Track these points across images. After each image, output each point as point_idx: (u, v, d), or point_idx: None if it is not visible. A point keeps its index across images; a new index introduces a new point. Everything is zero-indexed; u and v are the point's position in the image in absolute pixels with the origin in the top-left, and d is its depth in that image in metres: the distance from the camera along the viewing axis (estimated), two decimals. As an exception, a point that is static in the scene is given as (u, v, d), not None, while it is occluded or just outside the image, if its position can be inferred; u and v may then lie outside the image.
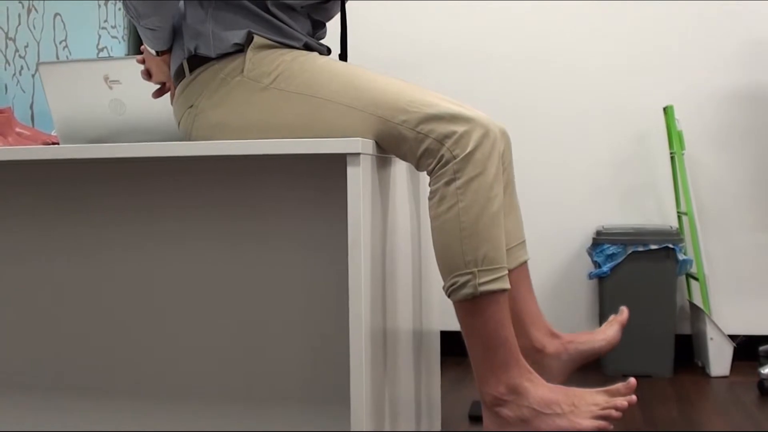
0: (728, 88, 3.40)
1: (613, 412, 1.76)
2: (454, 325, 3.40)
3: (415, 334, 2.12)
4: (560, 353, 2.09)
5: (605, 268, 3.16)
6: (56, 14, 3.09)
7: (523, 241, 2.10)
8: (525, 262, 2.09)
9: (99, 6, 3.38)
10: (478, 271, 1.71)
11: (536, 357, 2.09)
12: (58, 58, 3.09)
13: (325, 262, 1.94)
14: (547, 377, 2.06)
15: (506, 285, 1.74)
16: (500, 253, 1.73)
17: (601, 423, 1.75)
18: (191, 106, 1.88)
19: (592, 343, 2.11)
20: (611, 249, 3.17)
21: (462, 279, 1.72)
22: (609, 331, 2.14)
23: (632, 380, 1.80)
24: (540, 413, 1.77)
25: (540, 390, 1.78)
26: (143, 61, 2.02)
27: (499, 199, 1.74)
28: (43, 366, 2.11)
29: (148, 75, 2.02)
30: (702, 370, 3.24)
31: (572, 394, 1.79)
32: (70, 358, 2.10)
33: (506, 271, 1.75)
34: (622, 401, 1.77)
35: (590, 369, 3.29)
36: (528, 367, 1.80)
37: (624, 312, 2.18)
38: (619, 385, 1.81)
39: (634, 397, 1.78)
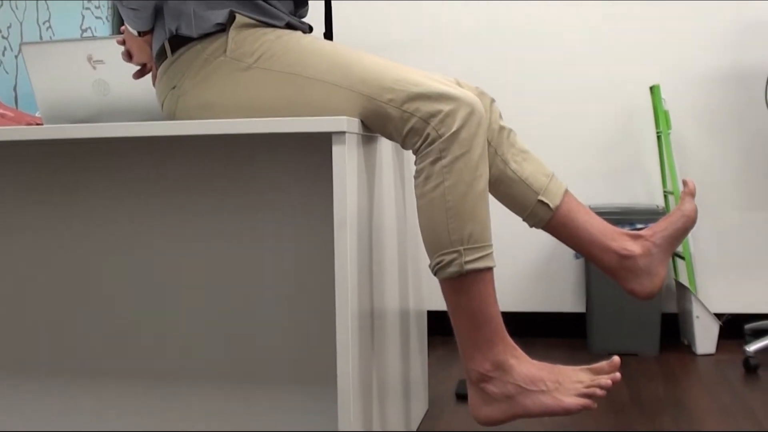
0: (715, 67, 3.40)
1: (598, 391, 1.77)
2: (441, 304, 3.42)
3: (402, 313, 2.12)
4: (649, 249, 2.04)
5: (592, 247, 3.16)
6: (39, -6, 3.07)
7: (553, 174, 2.05)
8: (566, 190, 2.06)
9: (82, -14, 3.36)
10: (464, 249, 1.71)
11: (629, 264, 2.04)
12: (41, 38, 3.07)
13: (311, 241, 1.94)
14: (648, 278, 2.02)
15: (491, 263, 1.74)
16: (486, 232, 1.73)
17: (585, 401, 1.76)
18: (174, 87, 1.87)
19: (673, 224, 2.07)
20: (598, 228, 3.17)
21: (448, 257, 1.72)
22: (684, 206, 2.08)
23: (616, 358, 1.80)
24: (525, 390, 1.78)
25: (525, 367, 1.79)
26: (124, 42, 2.01)
27: (484, 178, 1.74)
28: (35, 353, 2.11)
29: (128, 56, 2.01)
30: (688, 349, 3.25)
31: (557, 372, 1.80)
32: (59, 342, 2.09)
33: (492, 250, 1.75)
34: (606, 380, 1.78)
35: (576, 347, 3.30)
36: (513, 344, 1.80)
37: (689, 183, 2.13)
38: (603, 363, 1.82)
39: (618, 375, 1.79)
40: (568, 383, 1.79)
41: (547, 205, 2.01)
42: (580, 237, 2.05)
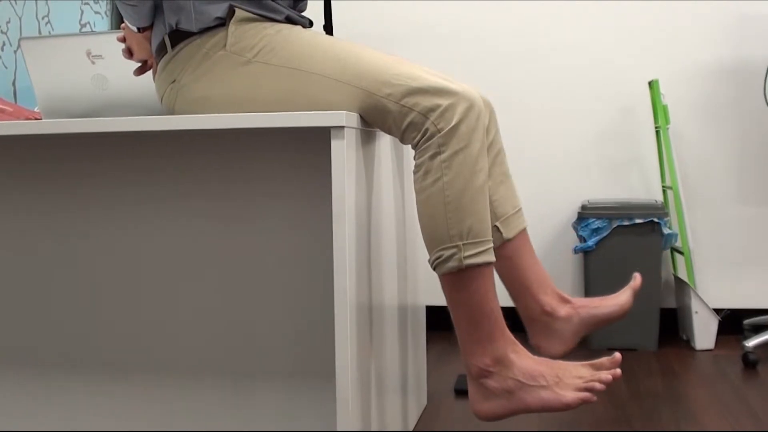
0: (713, 62, 3.40)
1: (597, 385, 1.77)
2: (439, 299, 3.42)
3: (400, 308, 2.12)
4: (571, 317, 2.06)
5: (590, 243, 3.16)
6: (38, -11, 3.07)
7: (520, 209, 2.08)
8: (524, 229, 2.07)
9: (81, -19, 3.35)
10: (463, 244, 1.71)
11: (547, 320, 2.06)
12: (40, 33, 3.07)
13: (309, 236, 1.94)
14: (558, 341, 2.05)
15: (491, 258, 1.74)
16: (485, 227, 1.73)
17: (585, 395, 1.76)
18: (174, 82, 1.87)
19: (605, 308, 2.08)
20: (596, 223, 3.17)
21: (447, 252, 1.72)
22: (622, 297, 2.10)
23: (617, 355, 1.80)
24: (525, 385, 1.78)
25: (525, 362, 1.79)
26: (124, 40, 2.00)
27: (484, 173, 1.74)
28: (32, 349, 2.11)
29: (129, 53, 2.01)
30: (687, 344, 3.25)
31: (557, 367, 1.80)
32: (56, 339, 2.09)
33: (491, 245, 1.75)
34: (606, 375, 1.78)
35: (576, 343, 3.30)
36: (513, 339, 1.80)
37: (637, 278, 2.13)
38: (603, 359, 1.82)
39: (618, 371, 1.79)
40: (568, 378, 1.79)
41: (500, 233, 2.02)
42: (519, 277, 2.06)
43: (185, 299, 2.01)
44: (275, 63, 1.79)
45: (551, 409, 1.77)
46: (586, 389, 1.77)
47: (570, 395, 1.76)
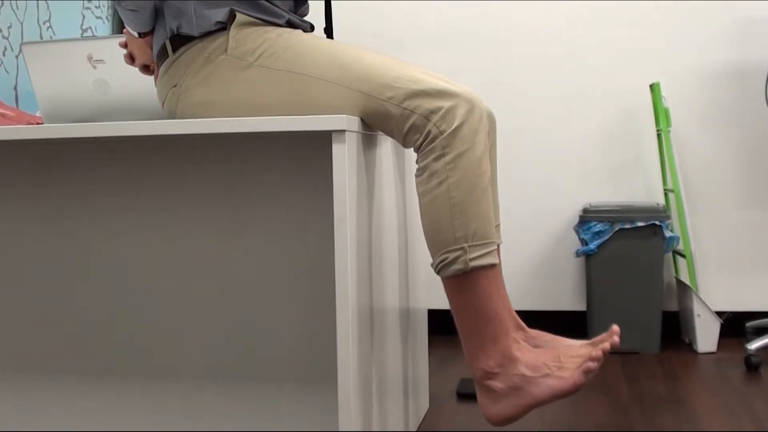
0: (715, 65, 3.40)
1: (598, 352, 1.75)
2: (442, 303, 3.42)
3: (402, 312, 2.12)
4: (527, 340, 2.08)
5: (592, 246, 3.16)
6: (39, -6, 3.07)
7: (499, 224, 2.08)
8: (498, 246, 2.07)
9: (82, -14, 3.36)
10: (469, 246, 1.71)
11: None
12: (41, 38, 3.07)
13: (311, 240, 1.94)
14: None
15: (495, 260, 1.74)
16: (489, 228, 1.73)
17: (588, 365, 1.74)
18: (175, 86, 1.87)
19: (569, 343, 2.10)
20: (598, 226, 3.17)
21: (452, 255, 1.72)
22: (576, 343, 2.13)
23: (615, 327, 1.80)
24: (530, 378, 1.77)
25: (527, 356, 1.79)
26: (126, 45, 2.01)
27: (487, 175, 1.74)
28: (35, 351, 2.11)
29: (131, 59, 2.01)
30: (689, 347, 3.25)
31: (556, 352, 1.79)
32: (58, 341, 2.09)
33: (495, 246, 1.75)
34: (605, 345, 1.76)
35: (578, 346, 3.29)
36: (515, 336, 1.80)
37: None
38: (602, 335, 1.82)
39: (617, 339, 1.77)
40: (570, 361, 1.78)
41: None
42: None
43: (187, 302, 2.01)
44: (276, 67, 1.79)
45: (560, 394, 1.75)
46: (589, 359, 1.75)
47: (576, 375, 1.75)
